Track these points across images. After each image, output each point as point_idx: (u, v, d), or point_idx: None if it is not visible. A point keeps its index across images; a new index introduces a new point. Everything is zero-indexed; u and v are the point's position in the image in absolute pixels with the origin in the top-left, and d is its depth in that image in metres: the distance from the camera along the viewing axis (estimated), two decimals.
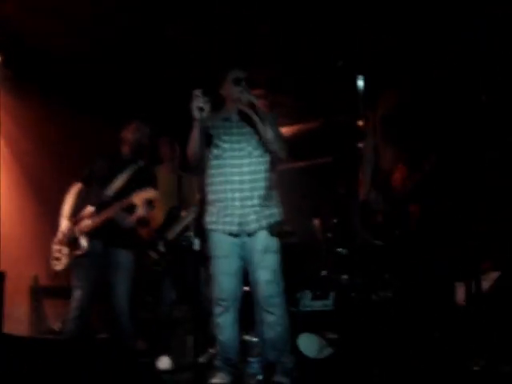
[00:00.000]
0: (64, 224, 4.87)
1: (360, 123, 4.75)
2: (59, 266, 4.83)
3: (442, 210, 5.32)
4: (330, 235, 5.44)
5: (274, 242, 4.06)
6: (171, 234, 5.42)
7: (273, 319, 3.98)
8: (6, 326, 5.00)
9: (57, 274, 4.99)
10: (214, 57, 6.03)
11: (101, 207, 4.76)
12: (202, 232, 4.31)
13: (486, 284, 5.03)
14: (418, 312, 4.92)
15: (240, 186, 4.03)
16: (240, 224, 4.03)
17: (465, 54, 5.45)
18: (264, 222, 4.03)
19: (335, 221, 5.46)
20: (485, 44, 5.18)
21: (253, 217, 4.02)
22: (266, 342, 4.06)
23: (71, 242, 4.80)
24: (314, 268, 5.51)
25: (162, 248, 5.36)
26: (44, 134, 6.40)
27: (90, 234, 4.76)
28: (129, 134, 4.94)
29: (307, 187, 7.32)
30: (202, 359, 4.87)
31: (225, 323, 4.05)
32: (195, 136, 3.96)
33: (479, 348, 4.53)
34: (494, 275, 5.15)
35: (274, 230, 4.05)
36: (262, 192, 4.05)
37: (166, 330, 5.45)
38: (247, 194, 4.03)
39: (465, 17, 5.24)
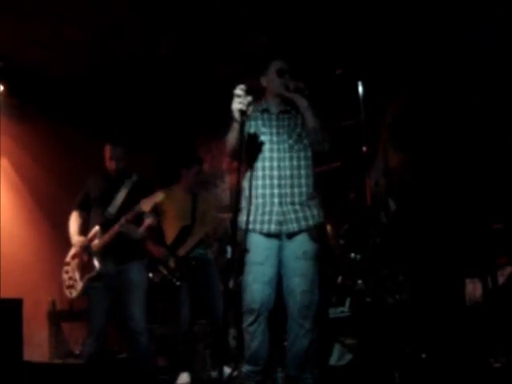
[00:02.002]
0: (73, 250, 4.86)
1: (363, 127, 4.73)
2: (74, 292, 4.78)
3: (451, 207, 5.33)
4: (342, 241, 5.41)
5: (314, 248, 3.83)
6: (182, 251, 5.43)
7: (302, 332, 3.80)
8: (26, 352, 4.99)
9: (73, 300, 4.97)
10: (211, 69, 6.08)
11: (106, 226, 4.73)
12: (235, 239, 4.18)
13: (502, 279, 5.03)
14: (434, 312, 4.91)
15: (279, 182, 3.80)
16: (278, 223, 3.80)
17: (465, 54, 5.44)
18: (303, 224, 3.79)
19: (346, 226, 5.43)
20: (485, 44, 5.14)
21: (292, 216, 3.79)
22: (289, 355, 3.90)
23: (82, 265, 4.77)
24: (329, 275, 5.49)
25: (172, 264, 5.38)
26: (51, 159, 6.48)
27: (101, 254, 4.73)
28: (106, 161, 4.93)
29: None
30: (217, 375, 4.87)
31: (255, 332, 3.85)
32: (234, 136, 3.66)
33: (499, 344, 4.51)
34: (510, 270, 5.14)
35: (314, 233, 3.81)
36: (302, 189, 3.82)
37: (186, 346, 5.45)
38: (287, 190, 3.80)
39: (465, 17, 5.22)
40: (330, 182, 7.18)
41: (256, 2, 5.18)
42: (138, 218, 4.76)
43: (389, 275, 5.12)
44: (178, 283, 5.34)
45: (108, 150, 4.88)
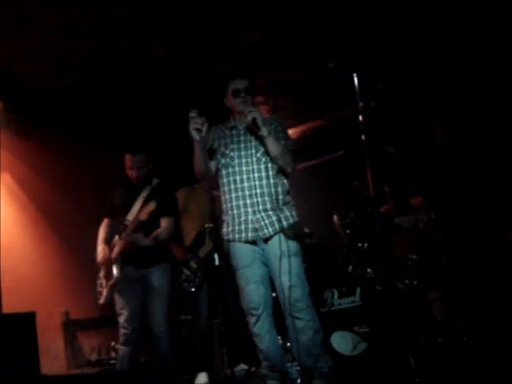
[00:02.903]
0: (100, 257, 4.93)
1: (360, 117, 4.76)
2: (102, 299, 4.88)
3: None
4: (348, 231, 5.40)
5: (292, 246, 4.01)
6: (203, 251, 5.44)
7: (302, 324, 3.94)
8: (43, 364, 5.01)
9: (103, 307, 5.05)
10: (209, 69, 6.07)
11: (123, 234, 4.83)
12: (220, 246, 4.33)
13: None
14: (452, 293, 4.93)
15: (250, 192, 4.03)
16: (254, 230, 4.02)
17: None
18: (277, 226, 3.99)
19: (352, 215, 5.42)
20: None
21: (266, 221, 4.00)
22: (299, 348, 4.00)
23: (107, 273, 4.88)
24: (338, 266, 5.48)
25: (194, 265, 5.39)
26: (52, 170, 6.50)
27: (121, 261, 4.82)
28: (127, 170, 4.98)
29: (322, 184, 7.33)
30: (235, 373, 4.89)
31: (261, 332, 4.03)
32: (198, 155, 3.99)
33: None
34: None
35: (289, 232, 4.00)
36: (273, 197, 4.03)
37: (204, 346, 5.46)
38: (258, 199, 4.02)
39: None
40: (334, 171, 7.20)
41: (248, 8, 5.21)
42: (153, 224, 4.83)
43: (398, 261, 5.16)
44: (193, 289, 5.37)
45: (128, 160, 4.95)
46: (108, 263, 4.86)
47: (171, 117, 6.78)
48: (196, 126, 3.87)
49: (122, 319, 4.83)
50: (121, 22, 5.27)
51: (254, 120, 3.97)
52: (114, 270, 4.81)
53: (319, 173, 7.52)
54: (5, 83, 5.81)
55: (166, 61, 5.97)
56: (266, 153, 4.06)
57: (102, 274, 4.92)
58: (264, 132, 3.97)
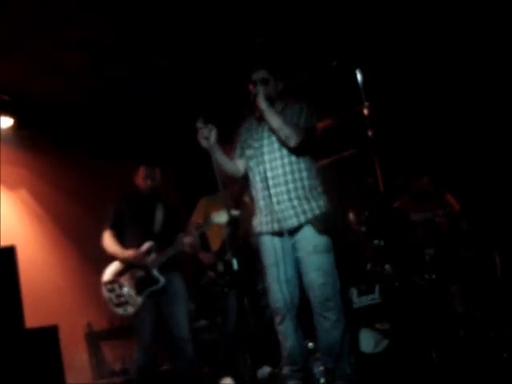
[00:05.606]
0: (115, 267, 4.95)
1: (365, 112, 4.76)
2: (131, 308, 4.81)
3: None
4: (364, 229, 5.39)
5: (322, 240, 3.91)
6: (229, 255, 5.43)
7: (328, 324, 3.87)
8: (68, 376, 5.04)
9: (112, 319, 4.99)
10: (213, 73, 6.10)
11: (158, 241, 4.87)
12: (239, 251, 4.31)
13: None
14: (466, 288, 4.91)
15: (274, 182, 3.95)
16: (279, 221, 3.92)
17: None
18: (303, 218, 3.90)
19: (367, 213, 5.41)
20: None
21: (291, 212, 3.91)
22: (321, 348, 4.00)
23: (138, 280, 4.85)
24: (355, 264, 5.48)
25: (220, 268, 5.39)
26: (72, 186, 6.56)
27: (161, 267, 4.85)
28: (140, 180, 5.06)
29: (333, 183, 7.30)
30: (259, 375, 4.89)
31: (286, 331, 3.98)
32: (216, 161, 3.92)
33: None
34: None
35: (319, 225, 3.89)
36: (298, 185, 3.95)
37: (229, 350, 5.45)
38: (282, 188, 3.93)
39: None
40: (348, 170, 7.17)
41: (250, 14, 5.25)
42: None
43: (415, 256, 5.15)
44: (225, 289, 5.36)
45: (143, 170, 5.03)
46: (138, 270, 4.86)
47: (186, 127, 6.83)
48: (203, 135, 3.88)
49: (142, 329, 4.80)
50: (124, 35, 5.31)
51: (255, 96, 3.97)
52: (159, 276, 4.81)
53: (330, 172, 7.50)
54: (16, 100, 5.86)
55: (173, 70, 6.01)
56: None
57: (122, 282, 4.87)
58: (263, 105, 3.94)
